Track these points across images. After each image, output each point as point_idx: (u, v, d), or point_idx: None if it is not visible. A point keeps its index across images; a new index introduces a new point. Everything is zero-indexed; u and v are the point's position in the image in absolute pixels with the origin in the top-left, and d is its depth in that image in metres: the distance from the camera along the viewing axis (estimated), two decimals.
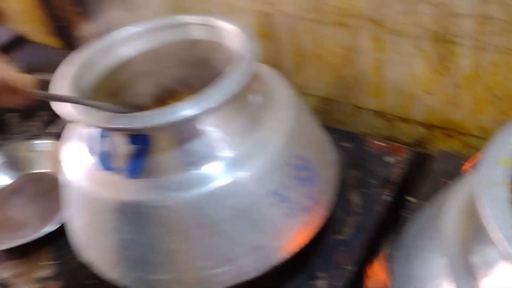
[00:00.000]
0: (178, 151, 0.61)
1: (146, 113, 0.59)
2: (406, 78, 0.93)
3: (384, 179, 0.85)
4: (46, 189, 0.94)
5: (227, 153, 0.62)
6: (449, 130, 0.95)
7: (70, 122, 0.65)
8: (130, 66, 0.73)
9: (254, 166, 0.62)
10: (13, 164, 0.97)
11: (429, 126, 0.97)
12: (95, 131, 0.65)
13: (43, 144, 0.99)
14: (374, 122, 1.04)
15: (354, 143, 0.94)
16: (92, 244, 0.68)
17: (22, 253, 0.83)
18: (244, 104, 0.65)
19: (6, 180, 0.96)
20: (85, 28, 1.15)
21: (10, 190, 0.94)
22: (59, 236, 0.83)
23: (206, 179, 0.60)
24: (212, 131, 0.62)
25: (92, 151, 0.66)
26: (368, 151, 0.92)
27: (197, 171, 0.60)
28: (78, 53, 0.69)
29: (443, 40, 0.84)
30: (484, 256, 0.46)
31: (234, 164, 0.62)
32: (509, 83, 0.81)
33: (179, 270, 0.63)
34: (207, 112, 0.59)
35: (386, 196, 0.82)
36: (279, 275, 0.72)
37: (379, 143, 0.93)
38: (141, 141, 0.60)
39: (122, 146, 0.61)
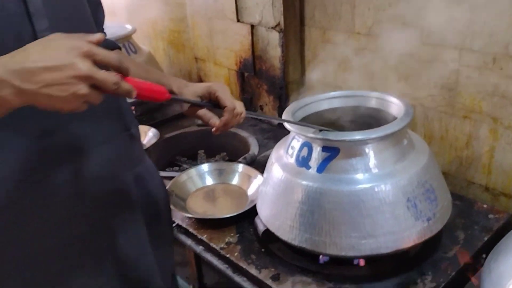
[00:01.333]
0: (348, 161, 0.94)
1: (338, 133, 0.94)
2: None
3: (485, 227, 1.09)
4: (234, 194, 1.30)
5: (378, 169, 0.94)
6: None
7: (295, 134, 1.00)
8: (323, 113, 1.11)
9: (399, 179, 0.92)
10: (215, 173, 1.36)
11: None
12: (295, 143, 1.01)
13: (236, 165, 1.37)
14: (481, 195, 1.28)
15: (464, 203, 1.19)
16: (279, 214, 1.01)
17: (216, 225, 1.18)
18: (395, 143, 0.97)
19: (210, 182, 1.35)
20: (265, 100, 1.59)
21: (212, 189, 1.33)
22: (240, 219, 1.18)
23: (366, 181, 0.92)
24: (373, 154, 0.94)
25: (291, 155, 1.02)
26: (474, 209, 1.17)
27: (362, 175, 0.93)
28: (297, 102, 1.09)
29: None
30: None
31: (383, 176, 0.93)
32: None
33: (336, 236, 0.93)
34: (372, 139, 0.92)
35: (485, 237, 1.06)
36: (401, 264, 0.99)
37: (484, 205, 1.17)
38: (330, 150, 0.95)
39: (317, 153, 0.96)
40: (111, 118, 0.87)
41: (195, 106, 0.87)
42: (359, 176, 0.94)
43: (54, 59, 0.55)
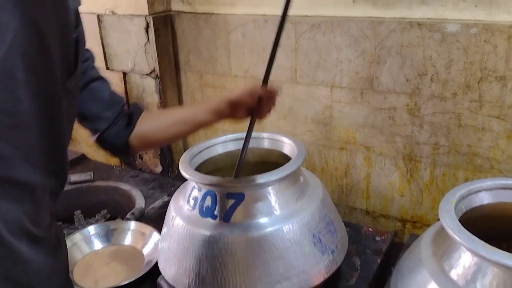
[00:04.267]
0: (252, 206, 0.93)
1: (242, 178, 0.92)
2: (386, 185, 1.30)
3: (376, 250, 1.17)
4: (128, 255, 1.19)
5: (282, 210, 0.94)
6: (416, 222, 1.29)
7: (197, 183, 0.96)
8: (219, 157, 1.09)
9: (302, 216, 0.94)
10: (103, 235, 1.23)
11: (402, 220, 1.32)
12: (197, 192, 0.97)
13: (126, 223, 1.26)
14: (363, 219, 1.38)
15: (352, 229, 1.26)
16: (188, 271, 0.94)
17: None
18: (294, 181, 0.99)
19: (98, 246, 1.22)
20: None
21: (102, 253, 1.20)
22: (139, 284, 1.08)
23: (273, 223, 0.92)
24: (275, 195, 0.95)
25: (193, 206, 0.97)
26: (363, 234, 1.24)
27: (268, 218, 0.92)
28: (191, 149, 1.06)
29: (411, 159, 1.24)
30: (450, 254, 0.78)
31: (287, 216, 0.94)
32: (454, 186, 1.20)
33: (252, 284, 0.90)
34: (273, 182, 0.93)
35: (377, 259, 1.14)
36: None
37: (370, 229, 1.26)
38: (235, 197, 0.93)
39: (221, 200, 0.94)
40: None
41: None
42: (266, 219, 0.93)
43: None
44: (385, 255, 1.16)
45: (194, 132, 0.95)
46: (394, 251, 1.21)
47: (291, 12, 1.27)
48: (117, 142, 0.90)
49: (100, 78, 0.91)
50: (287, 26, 1.28)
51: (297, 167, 0.96)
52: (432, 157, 1.20)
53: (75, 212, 1.48)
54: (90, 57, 0.88)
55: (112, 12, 1.45)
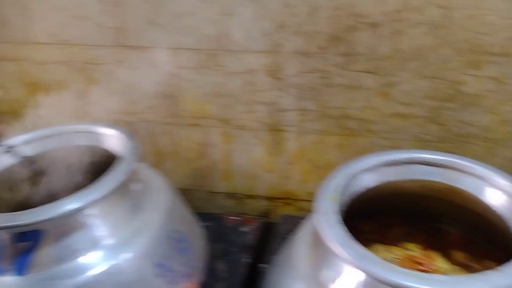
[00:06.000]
0: (63, 243, 0.62)
1: (33, 210, 0.59)
2: (250, 162, 1.07)
3: (242, 246, 0.94)
4: None
5: (111, 238, 0.65)
6: (286, 199, 1.09)
7: None
8: (14, 170, 0.73)
9: (140, 243, 0.65)
10: None
11: (270, 198, 1.10)
12: None
13: None
14: (226, 203, 1.14)
15: (213, 222, 1.01)
16: None
17: None
18: (126, 193, 0.69)
19: None
20: None
21: None
22: None
23: (98, 262, 0.62)
24: (98, 220, 0.64)
25: None
26: (226, 226, 1.01)
27: (90, 255, 0.62)
28: None
29: (275, 129, 1.00)
30: (330, 267, 0.56)
31: (119, 246, 0.65)
32: (325, 155, 1.00)
33: None
34: (92, 203, 0.62)
35: (246, 259, 0.91)
36: None
37: (233, 217, 1.03)
38: (27, 238, 0.60)
39: (7, 246, 0.60)
40: None
41: None
42: (83, 260, 0.62)
43: None
44: (254, 250, 0.94)
45: None
46: (265, 236, 1.00)
47: None
48: None
49: None
50: None
51: (126, 175, 0.66)
52: (299, 124, 0.99)
53: None
54: None
55: None
